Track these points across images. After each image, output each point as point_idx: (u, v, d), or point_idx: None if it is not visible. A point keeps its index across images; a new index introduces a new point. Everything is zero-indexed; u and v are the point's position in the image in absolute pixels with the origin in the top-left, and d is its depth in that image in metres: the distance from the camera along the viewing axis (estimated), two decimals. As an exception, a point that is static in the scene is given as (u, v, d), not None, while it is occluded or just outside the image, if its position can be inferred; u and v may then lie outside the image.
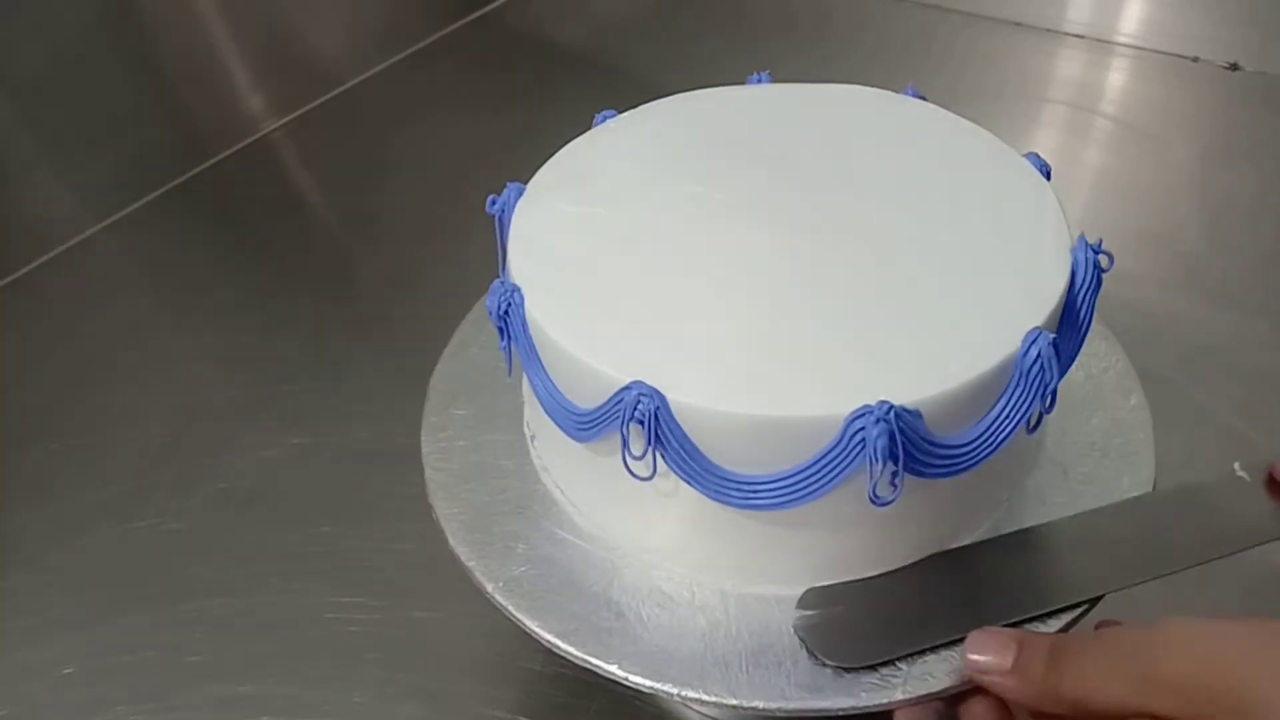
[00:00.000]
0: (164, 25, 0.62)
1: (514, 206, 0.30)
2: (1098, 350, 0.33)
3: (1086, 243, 0.27)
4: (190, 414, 0.47)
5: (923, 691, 0.24)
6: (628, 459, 0.25)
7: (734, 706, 0.25)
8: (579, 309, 0.26)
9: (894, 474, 0.23)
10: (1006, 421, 0.25)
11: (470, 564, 0.28)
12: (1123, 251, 0.59)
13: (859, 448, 0.23)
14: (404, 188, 0.62)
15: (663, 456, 0.24)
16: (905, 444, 0.23)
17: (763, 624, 0.26)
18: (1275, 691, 0.21)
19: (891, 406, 0.22)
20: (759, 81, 0.35)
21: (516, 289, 0.27)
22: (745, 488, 0.24)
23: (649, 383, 0.23)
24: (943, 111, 0.33)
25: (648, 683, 0.25)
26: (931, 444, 0.24)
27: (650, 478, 0.25)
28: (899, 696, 0.24)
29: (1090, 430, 0.31)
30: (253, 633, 0.37)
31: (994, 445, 0.25)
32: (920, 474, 0.24)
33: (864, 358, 0.24)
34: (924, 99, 0.34)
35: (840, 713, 0.24)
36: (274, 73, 0.68)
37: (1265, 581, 0.35)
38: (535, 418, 0.30)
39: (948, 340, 0.25)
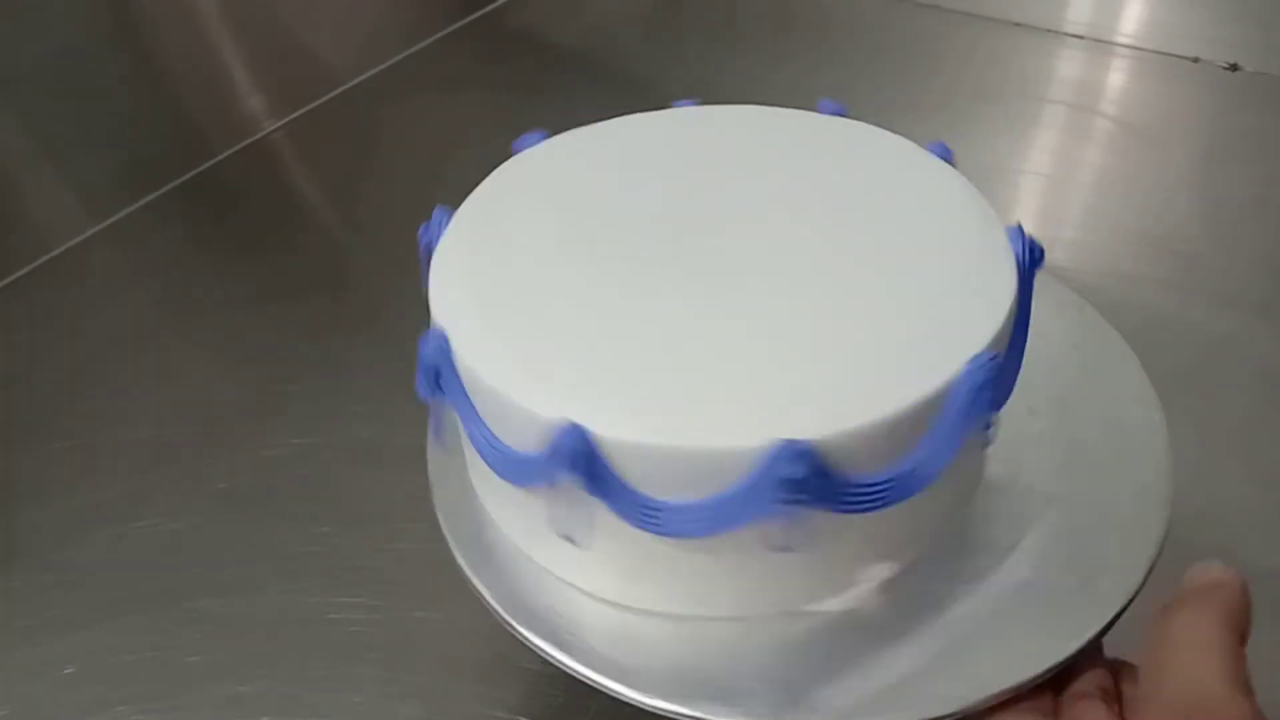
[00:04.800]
0: (164, 25, 0.62)
1: (438, 239, 0.30)
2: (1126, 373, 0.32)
3: (1024, 235, 0.26)
4: (190, 414, 0.47)
5: None
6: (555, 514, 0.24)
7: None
8: (503, 347, 0.26)
9: (795, 521, 0.22)
10: (937, 457, 0.23)
11: (470, 572, 0.28)
12: (1122, 252, 0.59)
13: (770, 487, 0.22)
14: (404, 188, 0.62)
15: (587, 484, 0.23)
16: (816, 483, 0.22)
17: (782, 637, 0.26)
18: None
19: (801, 446, 0.22)
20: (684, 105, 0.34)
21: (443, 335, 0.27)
22: (665, 514, 0.24)
23: (575, 419, 0.23)
24: (856, 123, 0.32)
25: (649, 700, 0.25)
26: (848, 482, 0.23)
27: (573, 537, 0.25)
28: None
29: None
30: (253, 633, 0.37)
31: (924, 479, 0.24)
32: (838, 511, 0.23)
33: (783, 396, 0.23)
34: (843, 114, 0.33)
35: None
36: (274, 73, 0.68)
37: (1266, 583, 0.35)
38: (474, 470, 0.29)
39: (880, 366, 0.24)
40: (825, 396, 0.23)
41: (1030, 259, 0.26)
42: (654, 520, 0.24)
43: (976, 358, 0.23)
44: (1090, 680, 0.25)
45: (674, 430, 0.23)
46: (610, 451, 0.23)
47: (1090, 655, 0.25)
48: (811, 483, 0.22)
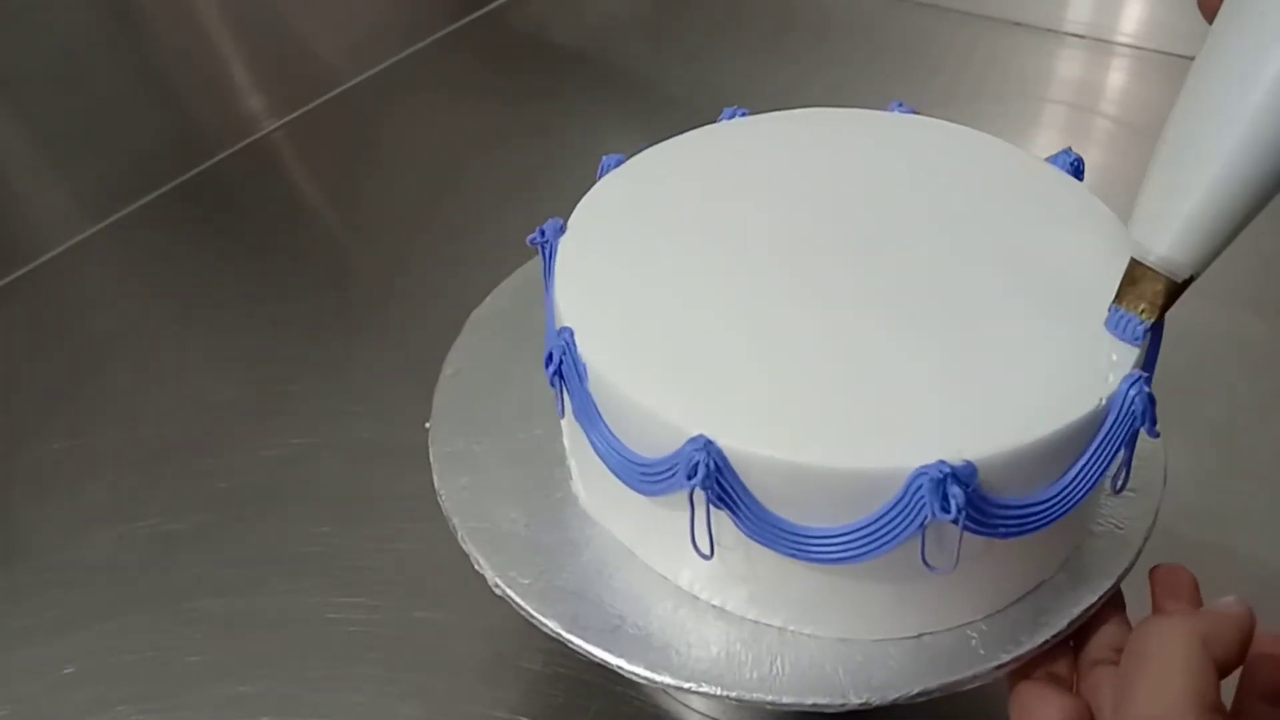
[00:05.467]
0: (164, 25, 0.62)
1: (556, 243, 0.29)
2: None
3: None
4: (190, 414, 0.47)
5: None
6: (695, 536, 0.24)
7: (736, 699, 0.25)
8: (639, 356, 0.25)
9: (952, 539, 0.22)
10: (1087, 478, 0.23)
11: (481, 560, 0.28)
12: (1123, 251, 0.58)
13: (920, 507, 0.21)
14: (403, 187, 0.62)
15: (731, 517, 0.23)
16: (967, 506, 0.21)
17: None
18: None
19: (949, 468, 0.21)
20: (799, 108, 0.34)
21: (569, 331, 0.26)
22: (810, 541, 0.23)
23: (710, 436, 0.22)
24: (972, 131, 0.31)
25: (649, 674, 0.25)
26: (996, 505, 0.22)
27: (710, 556, 0.24)
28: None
29: None
30: (253, 633, 0.37)
31: (1068, 505, 0.23)
32: (983, 534, 0.22)
33: (933, 408, 0.23)
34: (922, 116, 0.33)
35: (843, 709, 0.24)
36: (274, 73, 0.68)
37: (1266, 583, 0.35)
38: (582, 459, 0.29)
39: (1025, 388, 0.23)
40: (979, 417, 0.22)
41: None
42: (803, 548, 0.23)
43: (1128, 377, 0.23)
44: (1106, 641, 0.25)
45: (831, 452, 0.22)
46: (750, 471, 0.23)
47: (1110, 605, 0.25)
48: (969, 505, 0.21)
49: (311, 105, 0.70)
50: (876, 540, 0.22)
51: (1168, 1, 0.68)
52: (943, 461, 0.21)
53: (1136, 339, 0.23)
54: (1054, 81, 0.69)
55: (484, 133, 0.65)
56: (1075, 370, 0.23)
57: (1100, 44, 0.70)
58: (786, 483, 0.23)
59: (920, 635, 0.26)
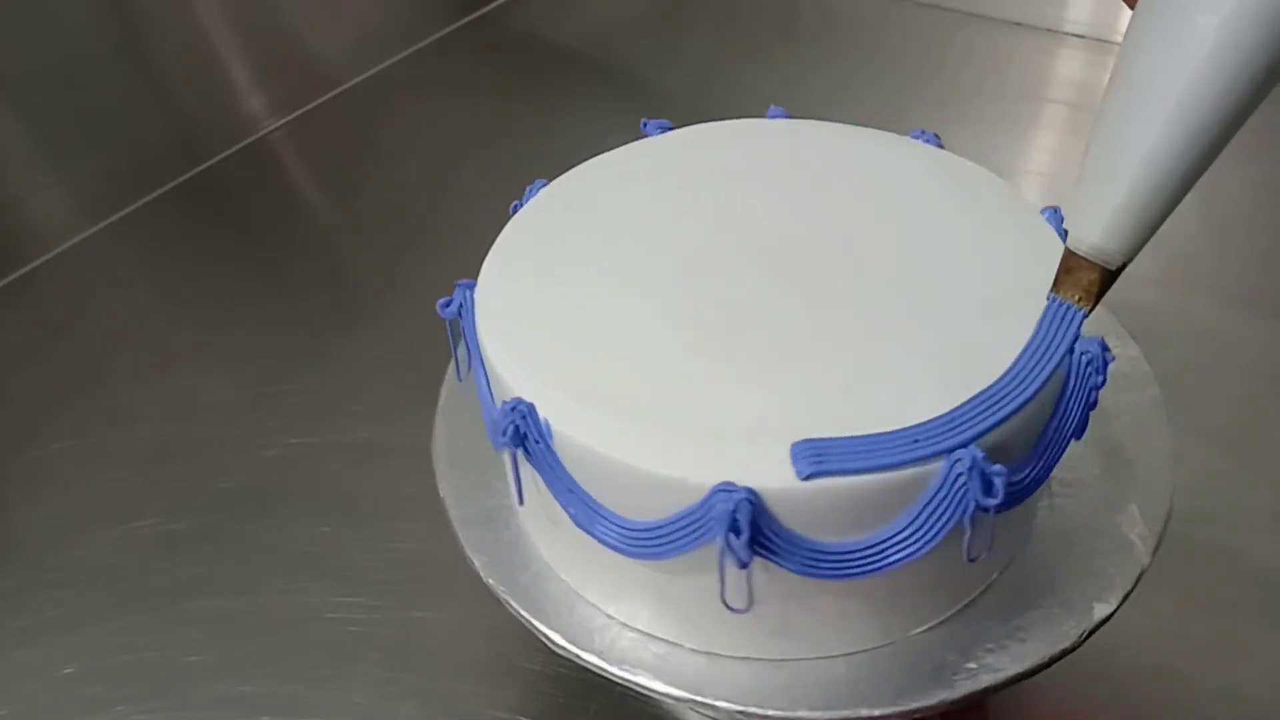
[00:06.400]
0: (164, 25, 0.62)
1: (471, 303, 0.27)
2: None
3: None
4: (190, 414, 0.47)
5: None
6: (725, 588, 0.22)
7: (730, 710, 0.24)
8: (608, 411, 0.23)
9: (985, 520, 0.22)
10: (1059, 439, 0.24)
11: (479, 563, 0.28)
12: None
13: (962, 495, 0.21)
14: (404, 188, 0.62)
15: (767, 556, 0.22)
16: (990, 489, 0.21)
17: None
18: None
19: (978, 454, 0.21)
20: (776, 115, 0.34)
21: (522, 404, 0.24)
22: (839, 559, 0.22)
23: (734, 480, 0.21)
24: (954, 158, 0.31)
25: (646, 682, 0.25)
26: (1008, 480, 0.22)
27: (747, 609, 0.22)
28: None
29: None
30: (253, 633, 0.37)
31: (1051, 464, 0.24)
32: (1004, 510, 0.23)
33: (930, 402, 0.23)
34: (939, 144, 0.32)
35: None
36: (274, 73, 0.68)
37: (1266, 583, 0.35)
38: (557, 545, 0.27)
39: (991, 373, 0.23)
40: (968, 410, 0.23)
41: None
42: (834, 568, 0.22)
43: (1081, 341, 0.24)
44: None
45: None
46: (776, 509, 0.22)
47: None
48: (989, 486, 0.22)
49: (311, 105, 0.70)
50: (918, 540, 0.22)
51: (1168, 1, 0.68)
52: (968, 450, 0.21)
53: (1075, 324, 0.24)
54: (1054, 81, 0.69)
55: (484, 133, 0.65)
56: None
57: (1100, 44, 0.70)
58: (807, 513, 0.22)
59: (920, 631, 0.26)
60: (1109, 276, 0.23)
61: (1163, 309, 0.49)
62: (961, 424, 0.22)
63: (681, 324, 0.25)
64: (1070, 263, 0.24)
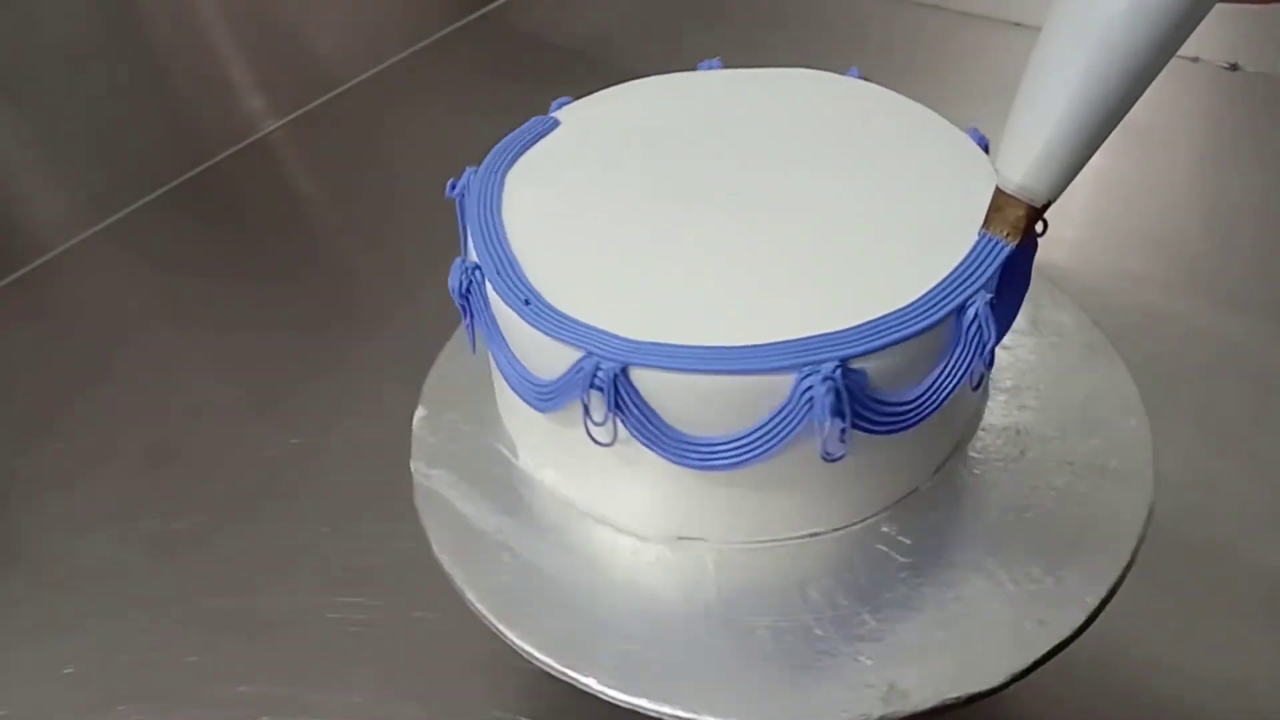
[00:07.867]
0: (164, 25, 0.62)
1: (472, 189, 0.32)
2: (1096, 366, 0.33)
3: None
4: (190, 414, 0.47)
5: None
6: (590, 426, 0.26)
7: None
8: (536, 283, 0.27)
9: (842, 430, 0.24)
10: (948, 380, 0.26)
11: (453, 572, 0.29)
12: (1123, 252, 0.59)
13: (807, 406, 0.24)
14: (404, 188, 0.62)
15: (623, 422, 0.25)
16: (852, 402, 0.24)
17: (745, 631, 0.26)
18: None
19: (839, 365, 0.24)
20: (710, 68, 0.37)
21: (476, 267, 0.28)
22: (702, 449, 0.25)
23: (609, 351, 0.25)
24: (887, 91, 0.35)
25: (624, 696, 0.25)
26: (877, 402, 0.25)
27: (611, 444, 0.26)
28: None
29: (1089, 450, 0.30)
30: (253, 633, 0.37)
31: (937, 403, 0.26)
32: (867, 430, 0.25)
33: (812, 322, 0.25)
34: (866, 79, 0.36)
35: None
36: (274, 73, 0.68)
37: (1266, 583, 0.35)
38: (503, 396, 0.31)
39: (892, 302, 0.26)
40: (848, 330, 0.25)
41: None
42: (704, 458, 0.25)
43: (973, 296, 0.25)
44: None
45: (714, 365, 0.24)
46: (644, 384, 0.25)
47: None
48: (848, 405, 0.24)
49: (311, 105, 0.70)
50: (766, 443, 0.25)
51: (1168, 1, 0.68)
52: (827, 363, 0.24)
53: (1000, 258, 0.26)
54: (1054, 81, 0.69)
55: (484, 132, 0.65)
56: (934, 289, 0.26)
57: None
58: (677, 396, 0.25)
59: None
60: (1035, 213, 0.25)
61: (1164, 310, 0.49)
62: (831, 345, 0.24)
63: (650, 239, 0.29)
64: (999, 201, 0.25)
